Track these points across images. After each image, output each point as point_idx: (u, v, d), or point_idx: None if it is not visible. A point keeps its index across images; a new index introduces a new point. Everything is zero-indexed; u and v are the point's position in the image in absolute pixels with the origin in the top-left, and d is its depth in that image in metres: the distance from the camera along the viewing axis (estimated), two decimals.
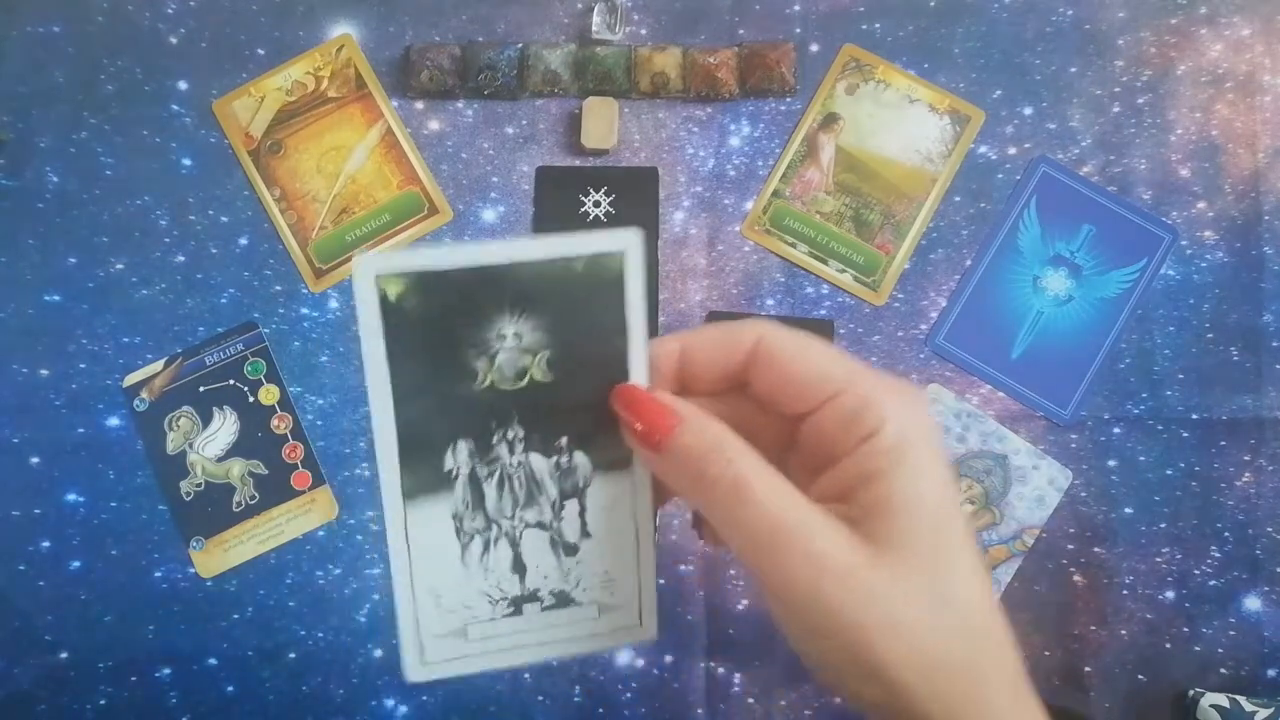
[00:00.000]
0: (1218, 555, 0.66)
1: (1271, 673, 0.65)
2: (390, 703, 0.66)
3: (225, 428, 0.67)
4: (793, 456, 0.32)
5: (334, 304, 0.68)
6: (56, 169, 0.68)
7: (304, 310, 0.68)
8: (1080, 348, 0.67)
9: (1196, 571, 0.66)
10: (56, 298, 0.67)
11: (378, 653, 0.66)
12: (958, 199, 0.68)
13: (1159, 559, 0.66)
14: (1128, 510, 0.66)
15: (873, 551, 0.28)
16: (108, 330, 0.67)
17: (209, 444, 0.67)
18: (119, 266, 0.68)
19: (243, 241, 0.68)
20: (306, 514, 0.67)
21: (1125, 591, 0.66)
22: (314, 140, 0.69)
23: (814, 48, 0.69)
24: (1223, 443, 0.66)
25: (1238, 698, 0.63)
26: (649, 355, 0.33)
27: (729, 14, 0.69)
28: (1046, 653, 0.65)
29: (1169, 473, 0.66)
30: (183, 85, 0.69)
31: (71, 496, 0.66)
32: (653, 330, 0.31)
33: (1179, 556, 0.66)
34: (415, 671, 0.36)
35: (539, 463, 0.34)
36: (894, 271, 0.68)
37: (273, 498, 0.66)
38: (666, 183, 0.69)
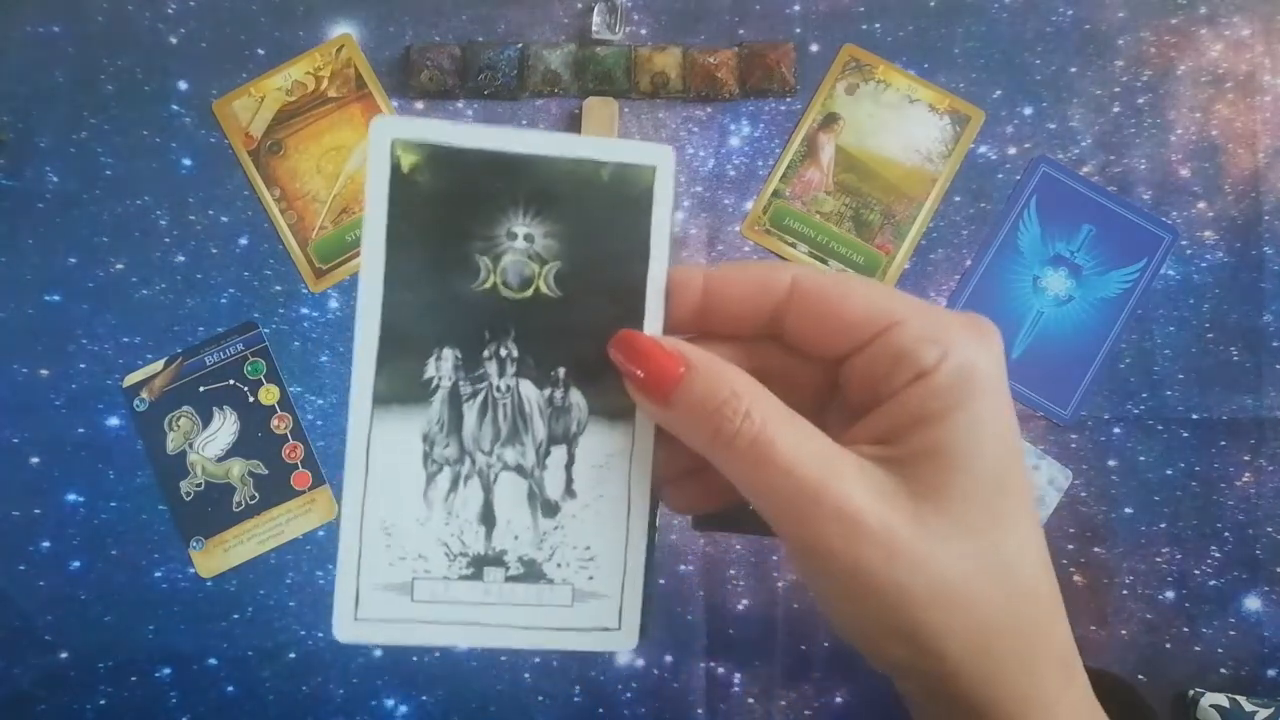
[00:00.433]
0: (1218, 555, 0.66)
1: (1271, 673, 0.65)
2: (390, 703, 0.66)
3: (225, 428, 0.67)
4: (831, 411, 0.28)
5: (334, 304, 0.68)
6: (56, 169, 0.68)
7: (304, 310, 0.68)
8: (1080, 348, 0.67)
9: (1196, 571, 0.66)
10: (56, 298, 0.67)
11: (378, 653, 0.66)
12: (958, 199, 0.68)
13: (1159, 559, 0.66)
14: (1128, 510, 0.66)
15: (918, 508, 0.25)
16: (108, 330, 0.67)
17: (209, 444, 0.67)
18: (119, 266, 0.68)
19: (243, 241, 0.68)
20: (306, 514, 0.67)
21: (1125, 591, 0.66)
22: (314, 140, 0.69)
23: (814, 48, 0.69)
24: (1223, 443, 0.66)
25: (1238, 698, 0.63)
26: (669, 285, 0.29)
27: (729, 14, 0.69)
28: None
29: (1169, 473, 0.66)
30: (183, 85, 0.69)
31: (71, 496, 0.66)
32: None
33: (1179, 556, 0.66)
34: (345, 629, 0.31)
35: (530, 392, 0.30)
36: (894, 271, 0.68)
37: (273, 498, 0.66)
38: None
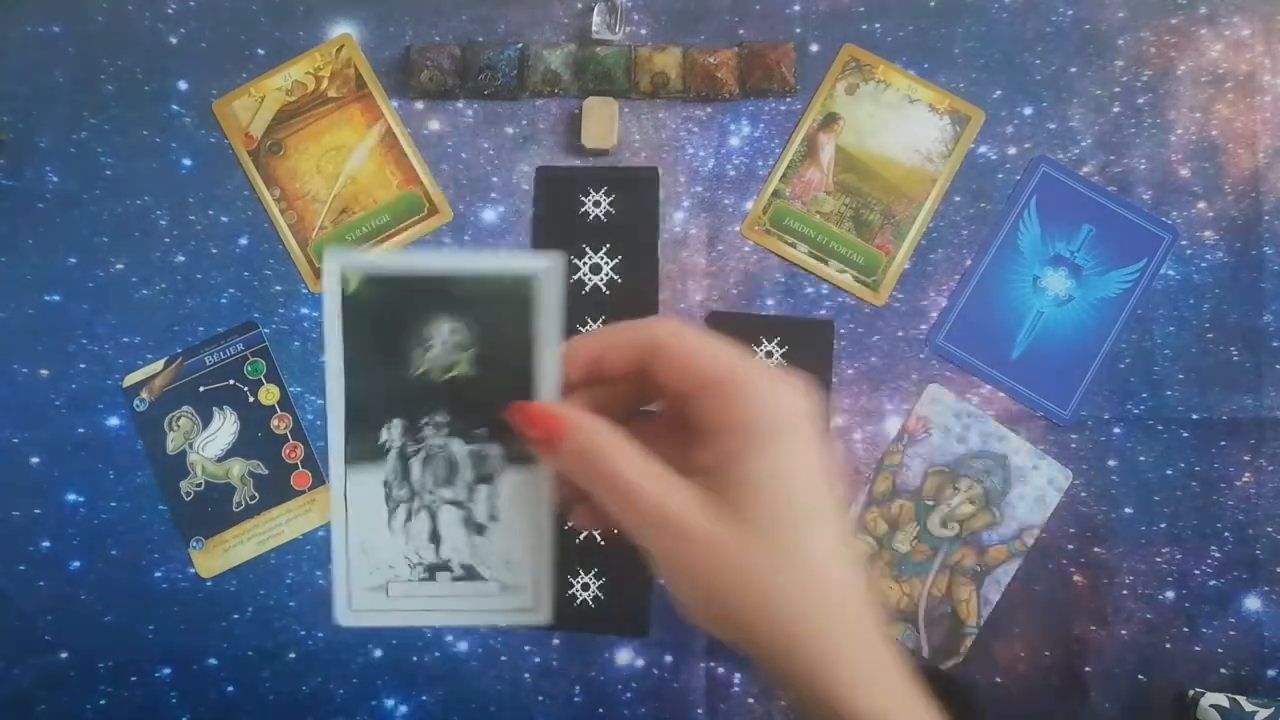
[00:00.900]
0: (1218, 555, 0.66)
1: (1271, 673, 0.65)
2: (390, 703, 0.66)
3: (225, 428, 0.67)
4: (690, 435, 0.35)
5: None
6: (56, 169, 0.68)
7: (304, 310, 0.68)
8: (1080, 348, 0.67)
9: (1196, 571, 0.66)
10: (56, 298, 0.67)
11: (378, 653, 0.66)
12: (958, 199, 0.68)
13: (1159, 559, 0.66)
14: (1128, 510, 0.66)
15: (726, 519, 0.32)
16: (108, 330, 0.67)
17: (209, 444, 0.67)
18: (119, 266, 0.68)
19: (243, 241, 0.68)
20: (306, 514, 0.67)
21: (1125, 591, 0.66)
22: (314, 140, 0.69)
23: (814, 48, 0.69)
24: (1223, 443, 0.66)
25: (1238, 698, 0.63)
26: (566, 354, 0.37)
27: (729, 14, 0.69)
28: (1046, 653, 0.65)
29: (1169, 473, 0.66)
30: (183, 85, 0.69)
31: (71, 496, 0.66)
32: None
33: (1179, 556, 0.66)
34: (344, 617, 0.41)
35: (458, 447, 0.40)
36: (894, 271, 0.68)
37: (273, 498, 0.67)
38: (666, 183, 0.69)
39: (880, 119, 0.69)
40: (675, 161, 0.69)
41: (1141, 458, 0.66)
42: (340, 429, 0.39)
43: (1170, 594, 0.66)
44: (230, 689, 0.66)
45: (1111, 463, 0.66)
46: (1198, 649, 0.65)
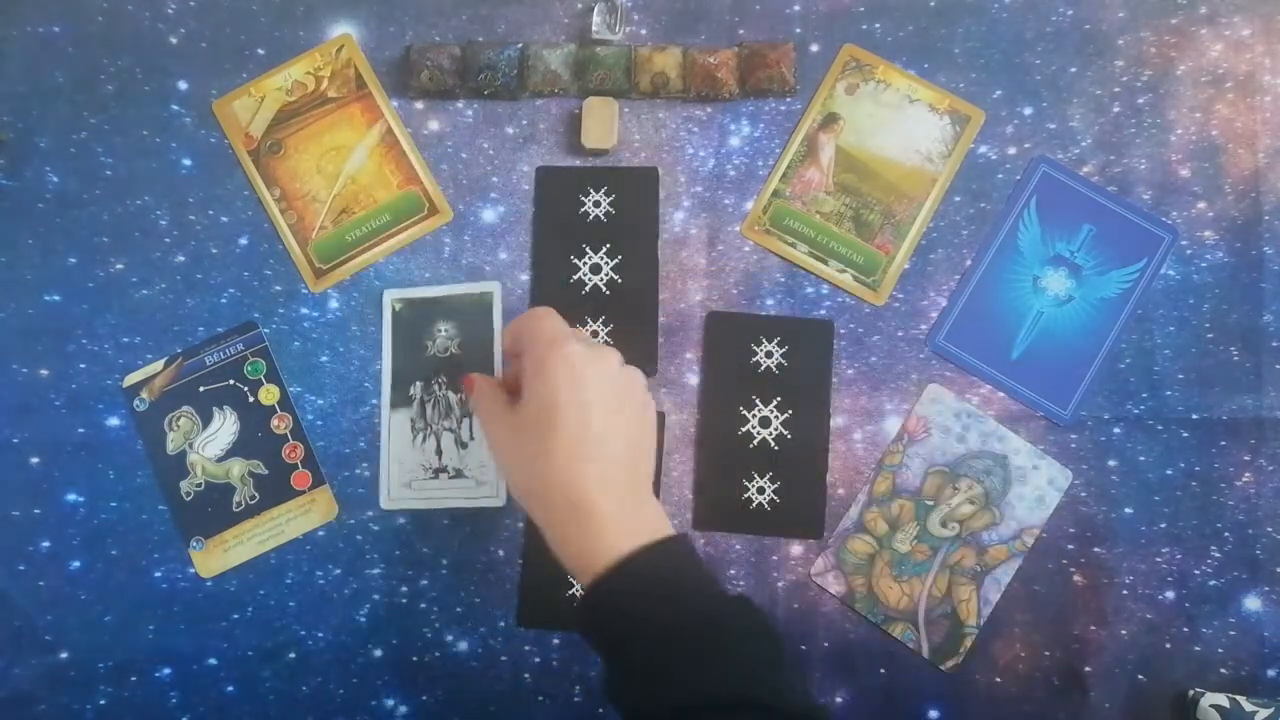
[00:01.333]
0: (1218, 555, 0.66)
1: (1271, 673, 0.65)
2: (390, 703, 0.66)
3: (225, 428, 0.67)
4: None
5: (334, 304, 0.68)
6: (56, 169, 0.68)
7: (304, 310, 0.68)
8: (1080, 348, 0.67)
9: (1196, 571, 0.66)
10: (56, 298, 0.67)
11: (378, 653, 0.66)
12: (958, 199, 0.68)
13: (1159, 559, 0.66)
14: (1128, 510, 0.66)
15: (520, 418, 0.53)
16: (108, 330, 0.67)
17: (209, 444, 0.67)
18: (119, 266, 0.68)
19: (243, 241, 0.68)
20: (306, 514, 0.67)
21: (1125, 591, 0.66)
22: (314, 140, 0.69)
23: (814, 48, 0.69)
24: (1223, 443, 0.66)
25: (1238, 698, 0.63)
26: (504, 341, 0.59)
27: (729, 14, 0.69)
28: (1046, 653, 0.65)
29: (1169, 473, 0.66)
30: (183, 85, 0.69)
31: (71, 496, 0.66)
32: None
33: (1179, 556, 0.66)
34: (386, 503, 0.67)
35: (452, 396, 0.67)
36: (894, 271, 0.68)
37: (273, 498, 0.67)
38: (666, 183, 0.69)
39: (880, 119, 0.69)
40: (675, 161, 0.69)
41: (1141, 458, 0.66)
42: (388, 387, 0.67)
43: (1170, 594, 0.66)
44: (230, 689, 0.66)
45: (1111, 463, 0.66)
46: (1198, 649, 0.65)
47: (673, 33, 0.69)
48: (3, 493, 0.66)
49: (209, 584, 0.66)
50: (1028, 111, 0.68)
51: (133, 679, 0.65)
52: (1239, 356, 0.67)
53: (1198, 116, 0.68)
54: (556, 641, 0.66)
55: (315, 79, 0.69)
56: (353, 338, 0.68)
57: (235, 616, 0.66)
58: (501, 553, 0.66)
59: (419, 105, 0.69)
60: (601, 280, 0.68)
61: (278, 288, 0.68)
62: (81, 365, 0.67)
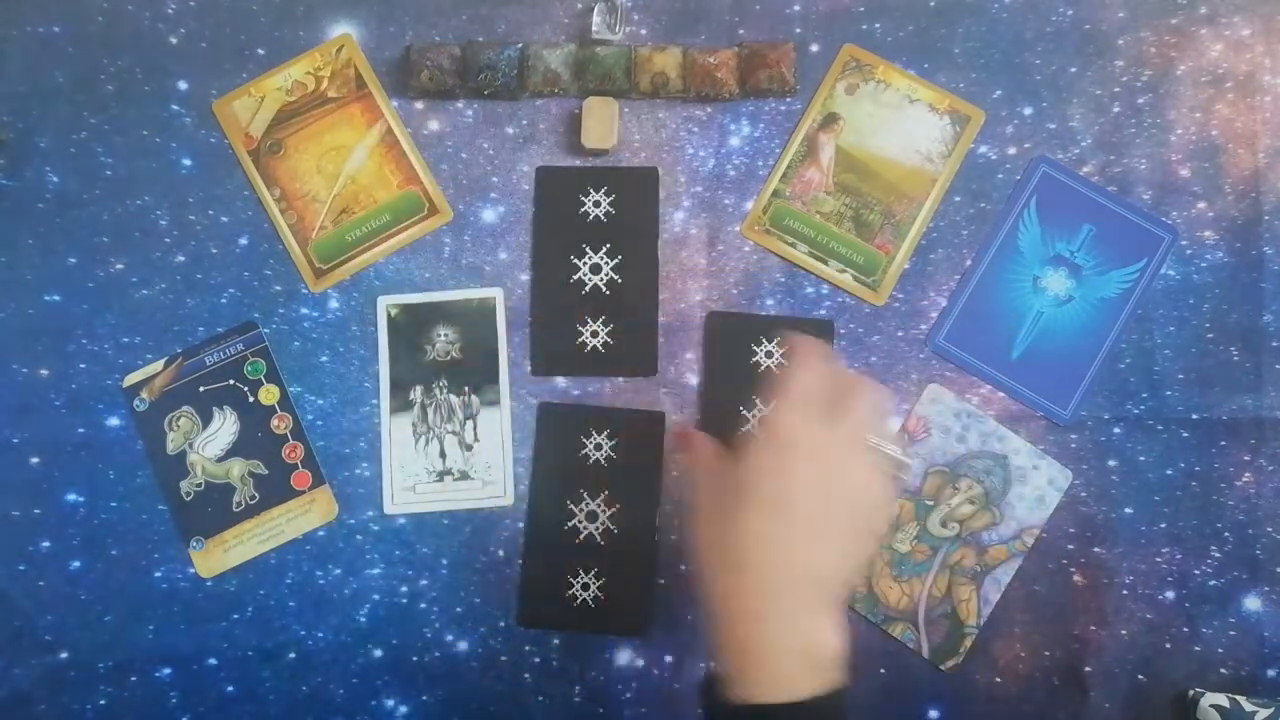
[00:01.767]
0: (1218, 555, 0.66)
1: (1271, 673, 0.65)
2: (390, 703, 0.66)
3: (225, 428, 0.67)
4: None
5: (334, 304, 0.68)
6: (56, 169, 0.68)
7: (304, 310, 0.68)
8: (1080, 348, 0.67)
9: (1196, 571, 0.66)
10: (56, 298, 0.67)
11: (378, 653, 0.66)
12: (958, 199, 0.68)
13: (1159, 559, 0.66)
14: (1128, 510, 0.66)
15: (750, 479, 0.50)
16: (108, 330, 0.67)
17: (209, 444, 0.67)
18: (119, 266, 0.68)
19: (243, 241, 0.68)
20: (306, 514, 0.67)
21: (1125, 591, 0.66)
22: (314, 140, 0.69)
23: (814, 48, 0.69)
24: (1223, 443, 0.66)
25: (1238, 698, 0.63)
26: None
27: (729, 14, 0.69)
28: (1046, 653, 0.65)
29: (1169, 473, 0.66)
30: (183, 85, 0.69)
31: (71, 496, 0.66)
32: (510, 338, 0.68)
33: (1179, 556, 0.66)
34: (389, 508, 0.67)
35: (454, 399, 0.67)
36: (894, 271, 0.68)
37: (273, 498, 0.67)
38: (666, 183, 0.69)
39: (880, 119, 0.69)
40: (675, 161, 0.69)
41: (1141, 458, 0.66)
42: (387, 394, 0.67)
43: (1170, 594, 0.66)
44: (230, 689, 0.66)
45: (1111, 463, 0.66)
46: (1198, 649, 0.65)
47: (673, 33, 0.69)
48: (3, 493, 0.66)
49: (209, 584, 0.66)
50: (1028, 111, 0.68)
51: (133, 679, 0.65)
52: (1239, 356, 0.67)
53: (1198, 116, 0.68)
54: (556, 642, 0.66)
55: (315, 79, 0.69)
56: (353, 338, 0.68)
57: (235, 616, 0.66)
58: (501, 553, 0.66)
59: (419, 105, 0.69)
60: (601, 280, 0.68)
61: (278, 288, 0.68)
62: (81, 365, 0.67)
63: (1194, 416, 0.66)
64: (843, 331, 0.67)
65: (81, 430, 0.66)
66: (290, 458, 0.67)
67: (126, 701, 0.65)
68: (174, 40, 0.69)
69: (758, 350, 0.67)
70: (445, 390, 0.67)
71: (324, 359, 0.68)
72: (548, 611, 0.66)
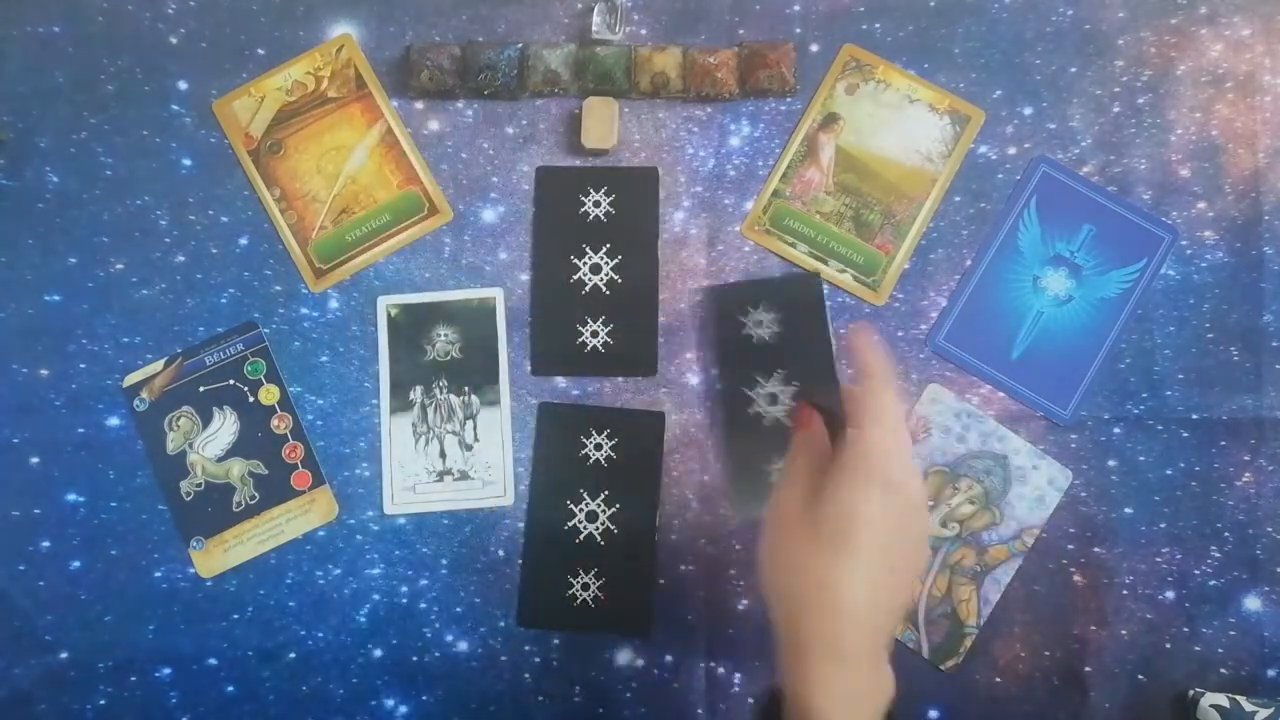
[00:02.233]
0: (1218, 555, 0.66)
1: (1271, 673, 0.65)
2: (390, 703, 0.66)
3: (225, 428, 0.67)
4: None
5: (334, 304, 0.68)
6: (56, 169, 0.68)
7: (304, 310, 0.68)
8: (1080, 348, 0.67)
9: (1196, 571, 0.66)
10: (56, 298, 0.67)
11: (378, 653, 0.66)
12: (958, 199, 0.68)
13: (1159, 559, 0.66)
14: (1128, 510, 0.66)
15: (810, 522, 0.47)
16: (108, 330, 0.67)
17: (209, 444, 0.67)
18: (119, 266, 0.68)
19: (243, 241, 0.68)
20: (306, 514, 0.67)
21: (1125, 591, 0.66)
22: (314, 140, 0.69)
23: (814, 48, 0.69)
24: (1223, 443, 0.66)
25: (1238, 698, 0.63)
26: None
27: (729, 14, 0.69)
28: (1046, 653, 0.65)
29: (1169, 473, 0.66)
30: (183, 85, 0.69)
31: (71, 496, 0.66)
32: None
33: (1179, 556, 0.66)
34: (389, 508, 0.67)
35: (454, 399, 0.67)
36: (894, 271, 0.68)
37: (273, 498, 0.66)
38: (666, 183, 0.69)
39: (880, 119, 0.69)
40: (675, 161, 0.69)
41: (1141, 458, 0.66)
42: (388, 394, 0.67)
43: (1170, 594, 0.66)
44: (230, 689, 0.66)
45: (1111, 463, 0.66)
46: (1198, 649, 0.65)
47: (673, 33, 0.69)
48: (3, 493, 0.66)
49: (209, 584, 0.66)
50: (1028, 111, 0.68)
51: (133, 679, 0.65)
52: (1239, 356, 0.67)
53: (1198, 116, 0.68)
54: (556, 642, 0.66)
55: (315, 79, 0.69)
56: (353, 338, 0.68)
57: (235, 616, 0.66)
58: (501, 553, 0.66)
59: (419, 105, 0.69)
60: (601, 280, 0.68)
61: (278, 288, 0.68)
62: (81, 365, 0.67)
63: (1194, 416, 0.66)
64: (843, 331, 0.67)
65: (81, 430, 0.66)
66: (290, 458, 0.67)
67: (126, 701, 0.65)
68: (174, 40, 0.69)
69: (745, 320, 0.66)
70: (445, 390, 0.67)
71: (324, 359, 0.68)
72: (548, 611, 0.66)
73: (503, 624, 0.66)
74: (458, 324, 0.68)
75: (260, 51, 0.69)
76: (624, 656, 0.66)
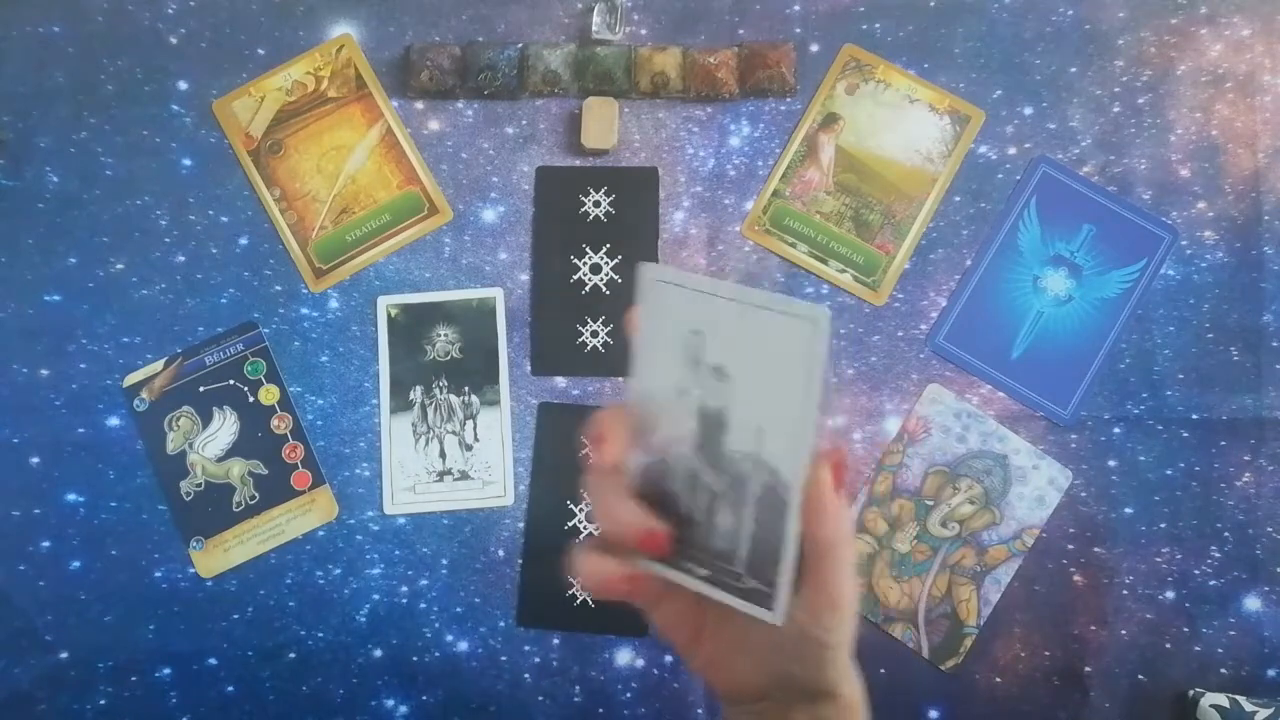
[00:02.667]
0: (1218, 555, 0.66)
1: (1271, 673, 0.65)
2: (390, 703, 0.66)
3: (225, 428, 0.67)
4: None
5: (334, 304, 0.68)
6: (56, 169, 0.68)
7: (304, 310, 0.68)
8: (1080, 348, 0.67)
9: (1196, 571, 0.66)
10: (56, 298, 0.67)
11: (378, 653, 0.66)
12: (958, 199, 0.68)
13: (1159, 559, 0.66)
14: (1128, 510, 0.66)
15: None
16: (108, 330, 0.67)
17: (209, 444, 0.67)
18: (119, 266, 0.68)
19: (243, 241, 0.68)
20: (306, 514, 0.67)
21: (1125, 591, 0.66)
22: (314, 140, 0.69)
23: (814, 48, 0.69)
24: (1223, 443, 0.66)
25: (1238, 698, 0.63)
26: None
27: (729, 14, 0.69)
28: (1046, 653, 0.65)
29: (1169, 473, 0.66)
30: (183, 85, 0.69)
31: (71, 496, 0.66)
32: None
33: (1179, 556, 0.66)
34: (389, 508, 0.67)
35: (454, 399, 0.68)
36: (894, 271, 0.68)
37: (273, 498, 0.66)
38: (666, 183, 0.69)
39: (880, 119, 0.69)
40: (675, 161, 0.69)
41: (1141, 458, 0.66)
42: (387, 394, 0.67)
43: (1170, 594, 0.66)
44: (230, 689, 0.66)
45: (1111, 463, 0.66)
46: (1198, 649, 0.65)
47: (673, 33, 0.69)
48: (3, 493, 0.66)
49: (209, 584, 0.66)
50: (1028, 111, 0.68)
51: (133, 679, 0.65)
52: (1239, 356, 0.67)
53: (1198, 116, 0.68)
54: (556, 641, 0.66)
55: (315, 79, 0.69)
56: (353, 338, 0.68)
57: (235, 616, 0.66)
58: (501, 553, 0.66)
59: (419, 105, 0.69)
60: (601, 280, 0.68)
61: (278, 288, 0.68)
62: (81, 365, 0.67)
63: (1194, 416, 0.66)
64: (843, 331, 0.67)
65: (81, 430, 0.66)
66: (290, 458, 0.67)
67: (126, 701, 0.65)
68: (174, 40, 0.69)
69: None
70: (445, 390, 0.67)
71: (324, 359, 0.68)
72: (548, 611, 0.66)
73: (503, 624, 0.66)
74: (458, 324, 0.68)
75: (260, 51, 0.69)
76: (624, 656, 0.66)
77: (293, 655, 0.66)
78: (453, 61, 0.68)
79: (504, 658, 0.66)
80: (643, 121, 0.69)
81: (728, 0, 0.69)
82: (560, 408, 0.67)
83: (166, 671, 0.66)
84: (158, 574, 0.66)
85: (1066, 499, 0.66)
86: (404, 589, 0.66)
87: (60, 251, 0.67)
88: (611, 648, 0.66)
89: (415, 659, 0.66)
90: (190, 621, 0.66)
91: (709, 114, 0.69)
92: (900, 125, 0.68)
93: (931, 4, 0.69)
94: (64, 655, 0.65)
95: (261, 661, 0.66)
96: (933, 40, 0.69)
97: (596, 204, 0.68)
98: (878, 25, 0.69)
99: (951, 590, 0.66)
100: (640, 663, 0.65)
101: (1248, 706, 0.62)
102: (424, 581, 0.66)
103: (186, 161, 0.68)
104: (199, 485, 0.66)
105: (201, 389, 0.67)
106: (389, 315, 0.68)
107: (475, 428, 0.67)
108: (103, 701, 0.65)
